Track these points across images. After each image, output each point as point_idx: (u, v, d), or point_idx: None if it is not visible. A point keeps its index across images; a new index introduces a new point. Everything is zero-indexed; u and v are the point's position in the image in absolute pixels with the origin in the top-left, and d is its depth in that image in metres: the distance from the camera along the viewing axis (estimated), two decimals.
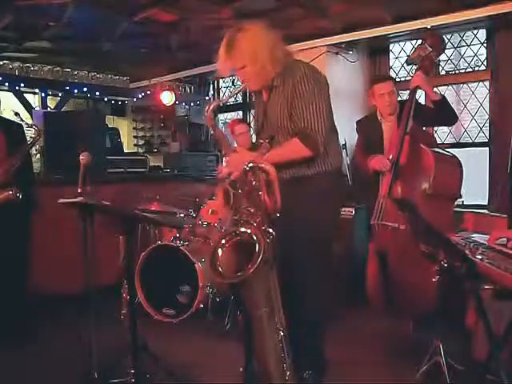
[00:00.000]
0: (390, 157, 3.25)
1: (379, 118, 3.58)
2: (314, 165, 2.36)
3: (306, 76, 2.29)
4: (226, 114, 7.22)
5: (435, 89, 3.63)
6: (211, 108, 2.26)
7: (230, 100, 7.05)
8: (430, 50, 3.21)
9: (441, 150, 3.31)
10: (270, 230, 1.97)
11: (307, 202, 2.33)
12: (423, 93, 3.59)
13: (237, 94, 2.21)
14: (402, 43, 5.13)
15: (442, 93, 4.81)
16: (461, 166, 3.23)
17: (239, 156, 2.24)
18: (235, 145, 3.94)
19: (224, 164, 2.36)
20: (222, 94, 7.21)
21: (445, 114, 3.34)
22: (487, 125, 4.58)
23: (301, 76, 2.29)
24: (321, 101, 2.30)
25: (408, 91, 3.40)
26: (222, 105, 2.47)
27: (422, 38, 3.53)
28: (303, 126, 2.27)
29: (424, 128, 3.61)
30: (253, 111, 6.37)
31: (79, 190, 2.70)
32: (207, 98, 7.13)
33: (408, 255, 2.91)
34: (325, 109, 2.32)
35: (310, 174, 2.36)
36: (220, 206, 2.28)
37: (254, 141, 3.69)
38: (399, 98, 3.76)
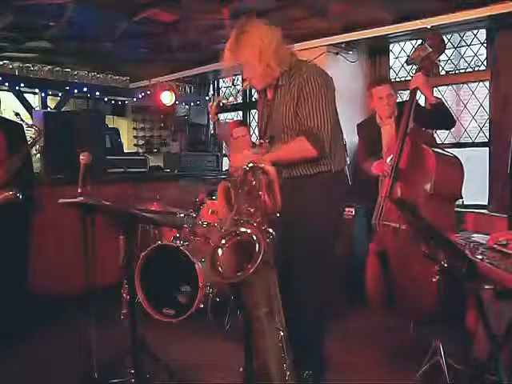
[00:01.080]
0: (390, 157, 3.26)
1: (378, 121, 3.59)
2: (317, 164, 2.36)
3: (313, 76, 2.30)
4: (225, 114, 7.22)
5: (435, 89, 3.63)
6: (216, 103, 2.26)
7: (229, 100, 7.08)
8: (431, 50, 3.20)
9: (441, 151, 3.31)
10: (270, 230, 1.97)
11: (308, 201, 2.33)
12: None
13: (239, 92, 2.23)
14: (402, 43, 5.13)
15: (442, 93, 4.84)
16: (462, 167, 3.23)
17: (241, 157, 2.26)
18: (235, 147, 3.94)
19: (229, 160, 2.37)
20: (221, 94, 7.21)
21: (441, 118, 3.32)
22: (487, 125, 4.58)
23: (308, 76, 2.29)
24: (327, 101, 2.31)
25: (408, 91, 3.41)
26: (226, 104, 2.47)
27: (423, 38, 3.54)
28: (310, 126, 2.27)
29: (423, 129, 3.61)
30: (253, 111, 6.38)
31: (79, 190, 2.71)
32: (207, 97, 7.13)
33: (408, 255, 2.91)
34: (331, 109, 2.32)
35: (312, 173, 2.36)
36: (220, 205, 2.28)
37: (254, 141, 3.69)
38: (399, 99, 3.76)
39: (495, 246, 1.98)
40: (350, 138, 4.77)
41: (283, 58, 2.32)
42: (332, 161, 2.39)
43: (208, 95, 7.17)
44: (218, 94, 7.22)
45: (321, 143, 2.28)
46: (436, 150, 3.20)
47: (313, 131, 2.27)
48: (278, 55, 2.30)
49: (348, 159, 4.86)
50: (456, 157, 3.30)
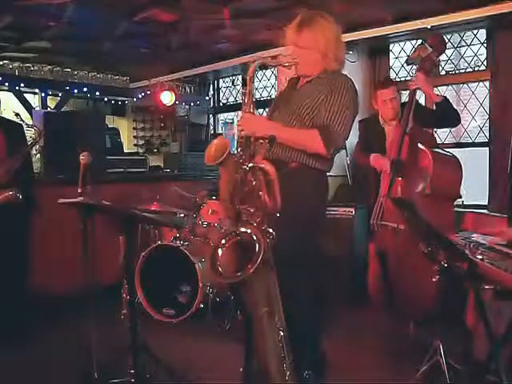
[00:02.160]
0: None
1: (381, 121, 3.59)
2: (316, 160, 2.33)
3: (349, 89, 2.33)
4: (225, 114, 7.22)
5: (435, 89, 3.63)
6: (256, 64, 2.24)
7: (229, 100, 7.11)
8: (431, 50, 3.20)
9: (440, 150, 3.31)
10: (270, 230, 1.97)
11: (297, 197, 2.29)
12: (423, 93, 3.59)
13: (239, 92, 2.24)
14: (402, 43, 5.13)
15: (442, 93, 4.83)
16: (460, 166, 3.22)
17: (253, 117, 2.27)
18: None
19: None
20: (221, 94, 7.21)
21: (447, 115, 3.33)
22: (487, 125, 4.58)
23: (346, 82, 2.34)
24: (352, 114, 2.34)
25: (408, 91, 3.41)
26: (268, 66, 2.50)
27: (423, 38, 3.54)
28: (328, 124, 2.27)
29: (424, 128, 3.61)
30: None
31: (79, 190, 2.71)
32: (207, 97, 7.13)
33: (408, 255, 2.91)
34: (351, 123, 2.35)
35: (308, 165, 2.33)
36: (209, 157, 2.27)
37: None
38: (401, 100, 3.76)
39: (495, 246, 1.98)
40: (350, 137, 4.76)
41: (338, 59, 2.38)
42: (330, 163, 2.40)
43: (208, 95, 7.17)
44: (218, 94, 7.22)
45: (331, 143, 2.27)
46: (434, 149, 3.20)
47: (329, 129, 2.26)
48: (339, 51, 2.37)
49: (348, 159, 4.86)
50: (454, 156, 3.30)
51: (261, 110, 6.44)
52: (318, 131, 2.26)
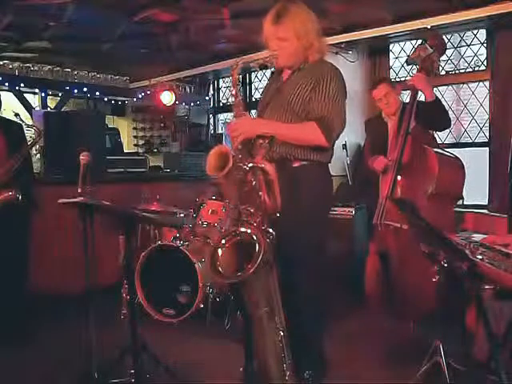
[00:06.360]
0: (388, 159, 3.27)
1: (384, 117, 3.63)
2: (317, 152, 2.31)
3: (336, 73, 2.32)
4: (225, 114, 7.22)
5: (435, 89, 3.64)
6: (239, 66, 2.24)
7: (230, 100, 7.10)
8: (431, 51, 3.20)
9: (442, 151, 3.31)
10: (270, 230, 1.97)
11: (302, 194, 2.28)
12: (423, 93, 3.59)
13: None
14: (402, 43, 5.13)
15: (442, 93, 4.84)
16: (463, 167, 3.23)
17: (248, 120, 2.25)
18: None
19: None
20: (221, 94, 7.21)
21: (436, 115, 3.31)
22: (487, 125, 4.59)
23: (330, 70, 2.31)
24: (343, 99, 2.31)
25: (407, 91, 3.41)
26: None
27: (423, 38, 3.53)
28: (323, 114, 2.24)
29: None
30: (253, 111, 6.37)
31: (79, 190, 2.70)
32: (207, 97, 7.13)
33: (410, 255, 2.91)
34: (344, 107, 2.32)
35: (311, 159, 2.31)
36: (211, 168, 2.19)
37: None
38: (400, 98, 3.77)
39: (495, 246, 1.98)
40: (350, 138, 4.78)
41: (319, 46, 2.35)
42: (330, 153, 2.39)
43: (208, 95, 7.17)
44: (218, 94, 7.22)
45: (331, 134, 2.25)
46: (437, 150, 3.20)
47: (326, 120, 2.23)
48: (318, 39, 2.34)
49: (348, 159, 4.87)
50: (457, 157, 3.30)
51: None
52: (316, 123, 2.23)
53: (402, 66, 5.15)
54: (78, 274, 2.57)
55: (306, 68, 2.35)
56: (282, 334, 1.94)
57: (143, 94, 6.68)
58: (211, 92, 7.18)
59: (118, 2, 4.01)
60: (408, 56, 5.03)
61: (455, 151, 3.54)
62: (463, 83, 4.80)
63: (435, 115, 3.29)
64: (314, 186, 2.32)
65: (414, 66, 4.75)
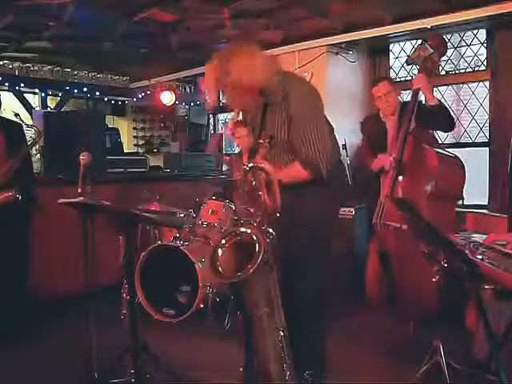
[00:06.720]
0: (391, 157, 3.26)
1: (382, 117, 3.62)
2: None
3: (306, 97, 2.29)
4: (225, 114, 7.22)
5: (435, 89, 3.64)
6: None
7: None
8: (432, 51, 3.20)
9: (443, 151, 3.31)
10: (270, 230, 1.97)
11: (305, 198, 2.32)
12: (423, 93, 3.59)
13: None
14: (402, 43, 5.13)
15: (442, 93, 4.84)
16: (463, 167, 3.23)
17: None
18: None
19: None
20: (221, 94, 7.20)
21: (439, 119, 3.32)
22: (487, 125, 4.58)
23: (301, 97, 2.28)
24: (320, 120, 2.31)
25: (408, 91, 3.41)
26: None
27: (423, 38, 3.53)
28: (307, 154, 2.26)
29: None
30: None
31: (79, 190, 2.71)
32: (207, 97, 7.13)
33: (409, 255, 2.91)
34: (324, 126, 2.31)
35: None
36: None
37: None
38: (399, 99, 3.77)
39: (495, 245, 1.98)
40: (350, 137, 4.77)
41: (265, 82, 2.25)
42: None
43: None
44: (218, 93, 7.21)
45: (317, 168, 2.27)
46: (437, 150, 3.20)
47: (308, 159, 2.26)
48: (259, 81, 2.23)
49: (348, 159, 4.86)
50: (458, 157, 3.30)
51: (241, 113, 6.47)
52: (298, 163, 2.26)
53: (402, 66, 5.15)
54: (78, 274, 2.57)
55: (277, 101, 2.30)
56: (281, 333, 1.94)
57: (143, 93, 6.68)
58: None
59: (118, 1, 4.01)
60: (408, 56, 5.03)
61: (455, 151, 3.54)
62: (463, 83, 4.79)
63: (440, 119, 3.30)
64: (317, 188, 2.34)
65: (414, 66, 4.75)
